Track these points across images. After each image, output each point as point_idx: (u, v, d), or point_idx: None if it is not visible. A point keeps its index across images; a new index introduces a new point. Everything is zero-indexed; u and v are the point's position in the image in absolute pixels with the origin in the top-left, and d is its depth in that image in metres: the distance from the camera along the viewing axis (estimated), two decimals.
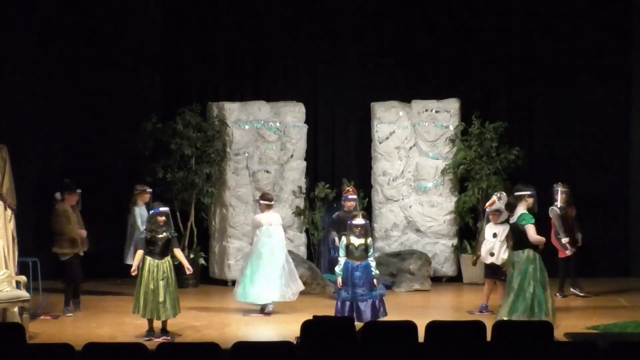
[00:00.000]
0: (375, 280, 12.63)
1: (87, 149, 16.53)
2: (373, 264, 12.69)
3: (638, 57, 16.79)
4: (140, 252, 12.46)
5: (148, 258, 12.31)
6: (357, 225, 12.63)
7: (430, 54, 17.07)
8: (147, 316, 12.30)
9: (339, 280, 12.65)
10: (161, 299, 12.18)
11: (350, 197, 14.96)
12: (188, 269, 12.74)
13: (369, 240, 12.72)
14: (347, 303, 12.50)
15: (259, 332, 12.94)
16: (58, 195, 13.93)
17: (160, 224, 12.37)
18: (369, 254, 12.66)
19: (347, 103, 17.19)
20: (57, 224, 13.75)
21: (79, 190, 14.06)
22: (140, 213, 15.06)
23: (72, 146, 16.60)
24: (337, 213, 15.04)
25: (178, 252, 12.55)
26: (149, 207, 14.75)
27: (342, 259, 12.68)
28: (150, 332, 12.35)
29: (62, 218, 13.74)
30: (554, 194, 14.93)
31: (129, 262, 14.64)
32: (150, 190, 15.30)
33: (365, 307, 12.46)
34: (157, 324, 12.41)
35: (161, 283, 12.20)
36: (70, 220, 13.73)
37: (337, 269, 12.74)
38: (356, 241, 12.64)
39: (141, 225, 14.71)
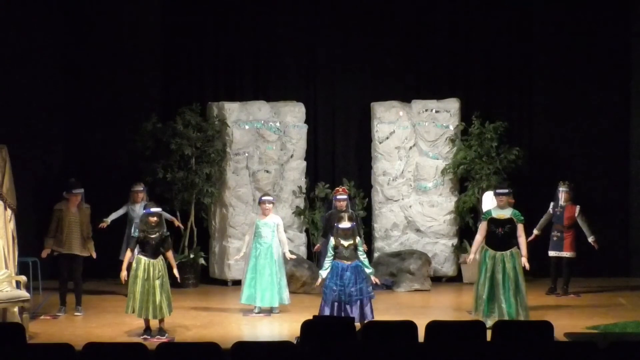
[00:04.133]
0: (373, 278, 12.57)
1: (87, 149, 16.52)
2: (366, 261, 12.62)
3: (638, 57, 16.78)
4: (129, 254, 12.57)
5: (142, 258, 12.33)
6: (343, 229, 12.57)
7: (430, 54, 17.06)
8: (143, 316, 12.30)
9: (319, 280, 12.67)
10: (158, 299, 12.19)
11: (339, 197, 14.85)
12: (177, 276, 12.68)
13: (358, 239, 12.66)
14: (336, 304, 12.33)
15: (259, 332, 12.94)
16: (65, 194, 13.89)
17: (151, 225, 12.38)
18: (360, 252, 12.59)
19: (347, 103, 17.18)
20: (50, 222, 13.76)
21: (79, 190, 13.95)
22: (132, 212, 15.05)
23: (72, 146, 16.58)
24: (329, 212, 15.00)
25: (170, 255, 12.51)
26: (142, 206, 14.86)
27: (328, 262, 12.54)
28: (147, 330, 12.35)
29: (52, 216, 13.71)
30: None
31: (122, 257, 14.86)
32: (141, 189, 15.21)
33: (354, 310, 12.30)
34: (154, 323, 12.41)
35: (157, 282, 12.21)
36: (61, 221, 13.68)
37: (322, 271, 12.63)
38: (345, 242, 12.56)
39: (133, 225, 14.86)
